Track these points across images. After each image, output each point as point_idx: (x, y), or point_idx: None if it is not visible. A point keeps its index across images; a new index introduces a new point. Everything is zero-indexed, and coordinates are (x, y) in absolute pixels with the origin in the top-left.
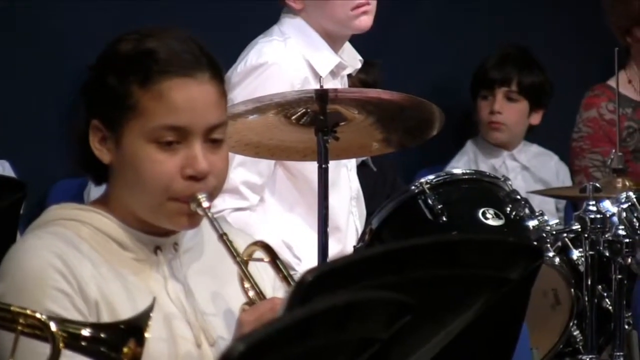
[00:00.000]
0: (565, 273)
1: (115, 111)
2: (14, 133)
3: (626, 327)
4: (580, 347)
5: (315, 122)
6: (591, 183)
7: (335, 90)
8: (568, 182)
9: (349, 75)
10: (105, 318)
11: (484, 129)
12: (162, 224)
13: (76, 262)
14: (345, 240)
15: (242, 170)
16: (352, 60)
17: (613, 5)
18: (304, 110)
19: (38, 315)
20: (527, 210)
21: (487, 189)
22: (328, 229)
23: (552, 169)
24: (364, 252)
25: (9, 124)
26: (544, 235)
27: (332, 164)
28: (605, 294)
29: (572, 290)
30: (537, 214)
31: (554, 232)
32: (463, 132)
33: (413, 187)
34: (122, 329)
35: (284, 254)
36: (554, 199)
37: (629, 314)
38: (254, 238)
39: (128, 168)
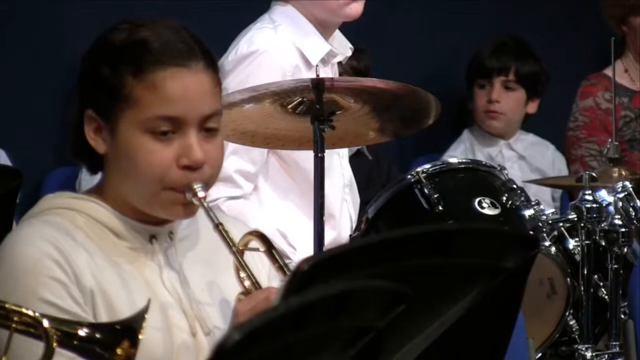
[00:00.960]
0: (561, 262)
1: (109, 102)
2: (8, 122)
3: (622, 316)
4: (576, 337)
5: (311, 111)
6: (587, 172)
7: (332, 79)
8: (564, 172)
9: (339, 63)
10: (101, 307)
11: (481, 117)
12: (157, 214)
13: (71, 251)
14: (339, 227)
15: (235, 159)
16: (343, 47)
17: None
18: (300, 99)
19: (31, 312)
20: (523, 200)
21: (483, 178)
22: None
23: (549, 159)
24: (359, 241)
25: (2, 113)
26: (540, 224)
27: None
28: (601, 284)
29: (568, 279)
30: (533, 203)
31: (550, 222)
32: (459, 121)
33: (409, 176)
34: (117, 329)
35: (279, 242)
36: (550, 189)
37: (625, 303)
38: (249, 227)
39: (123, 158)
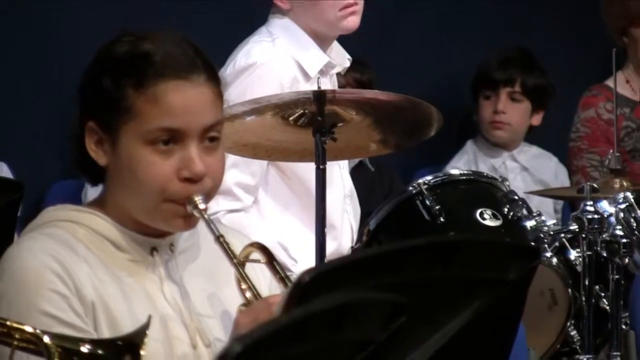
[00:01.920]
0: (562, 273)
1: (110, 114)
2: (11, 135)
3: (623, 327)
4: (578, 347)
5: (312, 123)
6: (589, 183)
7: (333, 91)
8: (567, 184)
9: (341, 75)
10: (102, 319)
11: (486, 128)
12: (158, 226)
13: (72, 263)
14: (340, 238)
15: (235, 172)
16: (341, 59)
17: (609, 5)
18: (301, 111)
19: (32, 329)
20: (524, 211)
21: (485, 189)
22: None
23: (552, 170)
24: (361, 252)
25: (5, 125)
26: (542, 235)
27: None
28: (602, 294)
29: (570, 290)
30: (534, 214)
31: (552, 233)
32: (463, 133)
33: (411, 188)
34: (119, 345)
35: (279, 255)
36: (552, 201)
37: (626, 314)
38: (250, 239)
39: (124, 170)
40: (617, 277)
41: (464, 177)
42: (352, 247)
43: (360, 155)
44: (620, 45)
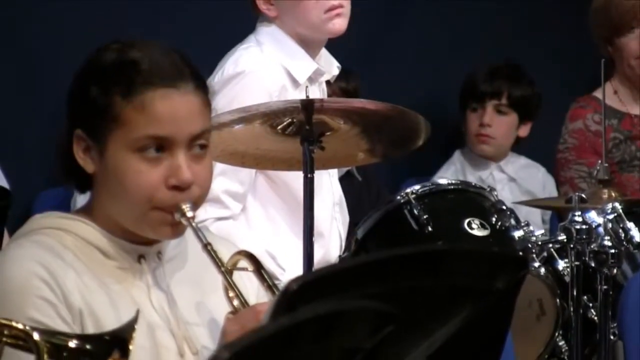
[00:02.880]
0: (550, 283)
1: (98, 122)
2: None
3: (611, 337)
4: (566, 358)
5: (300, 132)
6: (577, 194)
7: (322, 100)
8: (555, 194)
9: (328, 83)
10: (89, 327)
11: (472, 141)
12: (145, 233)
13: (60, 271)
14: (328, 246)
15: (223, 179)
16: (330, 66)
17: (595, 16)
18: (289, 120)
19: (21, 326)
20: (512, 221)
21: (473, 199)
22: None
23: (539, 181)
24: (349, 261)
25: None
26: (530, 245)
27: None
28: (590, 305)
29: (558, 300)
30: (522, 224)
31: (540, 243)
32: (451, 143)
33: (399, 197)
34: (107, 340)
35: (267, 263)
36: (540, 211)
37: (614, 324)
38: (238, 247)
39: (112, 178)
40: (605, 287)
41: (452, 187)
42: (340, 255)
43: (348, 165)
44: (607, 56)
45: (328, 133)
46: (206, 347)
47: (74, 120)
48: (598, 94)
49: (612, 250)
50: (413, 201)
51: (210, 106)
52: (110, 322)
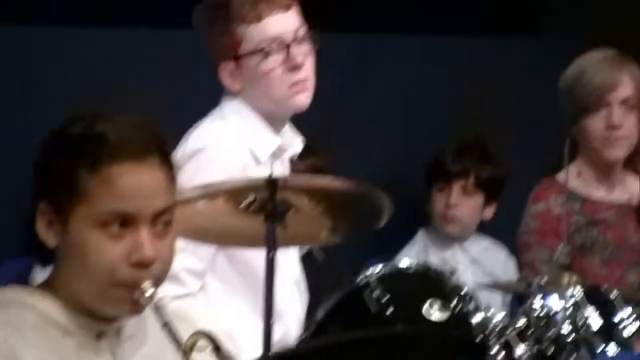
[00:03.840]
0: None
1: (62, 195)
2: None
3: None
4: None
5: (264, 210)
6: (537, 278)
7: (285, 178)
8: (515, 277)
9: (298, 161)
10: None
11: (438, 220)
12: (105, 310)
13: (20, 347)
14: (287, 325)
15: (183, 256)
16: (293, 142)
17: (561, 95)
18: (253, 197)
19: None
20: (472, 305)
21: (434, 282)
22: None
23: (501, 263)
24: (308, 344)
25: None
26: (489, 331)
27: None
28: None
29: None
30: (482, 308)
31: (499, 328)
32: (416, 221)
33: (359, 279)
34: None
35: (226, 342)
36: (502, 293)
37: None
38: (197, 326)
39: (74, 252)
40: None
41: (413, 270)
42: (299, 336)
43: (310, 243)
44: (572, 136)
45: (291, 211)
46: None
47: (39, 192)
48: (561, 176)
49: (570, 337)
50: (373, 283)
51: (175, 182)
52: None
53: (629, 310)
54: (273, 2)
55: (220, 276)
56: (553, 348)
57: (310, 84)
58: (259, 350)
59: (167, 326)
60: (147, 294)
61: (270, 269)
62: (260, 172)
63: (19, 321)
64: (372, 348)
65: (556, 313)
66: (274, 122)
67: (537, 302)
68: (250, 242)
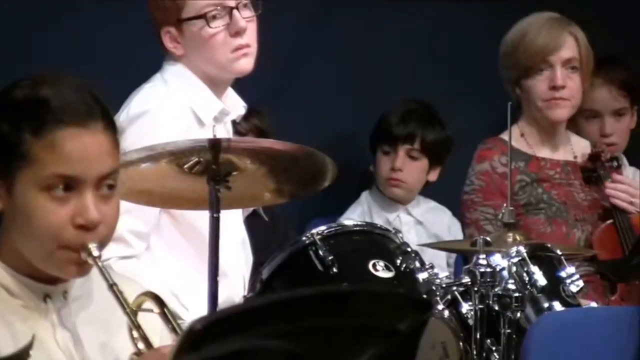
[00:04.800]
0: (454, 326)
1: (6, 159)
2: None
3: None
4: None
5: (207, 171)
6: (482, 237)
7: (228, 139)
8: (460, 238)
9: (242, 122)
10: None
11: (382, 183)
12: (51, 272)
13: None
14: (232, 285)
15: (128, 218)
16: (236, 106)
17: (503, 59)
18: (196, 159)
19: None
20: (417, 263)
21: (378, 241)
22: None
23: (445, 224)
24: (253, 301)
25: None
26: (434, 288)
27: None
28: (493, 348)
29: (461, 343)
30: (427, 266)
31: (444, 285)
32: (360, 183)
33: (304, 238)
34: None
35: (171, 303)
36: (446, 254)
37: None
38: (144, 287)
39: (19, 216)
40: (508, 331)
41: (358, 228)
42: (244, 295)
43: (255, 205)
44: (516, 98)
45: (235, 173)
46: None
47: None
48: (505, 136)
49: (516, 294)
50: (318, 242)
51: (118, 146)
52: None
53: (573, 267)
54: None
55: (165, 237)
56: (498, 305)
57: (253, 49)
58: (204, 310)
59: (113, 287)
60: (93, 255)
61: (214, 230)
62: (203, 135)
63: None
64: (316, 305)
65: (501, 270)
66: (216, 86)
67: (482, 261)
68: (194, 204)
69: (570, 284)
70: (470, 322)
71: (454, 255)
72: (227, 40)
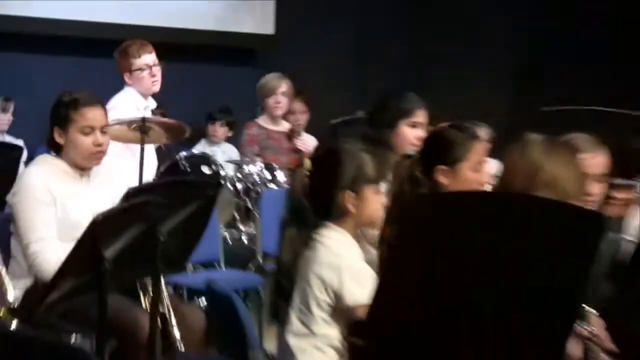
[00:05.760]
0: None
1: (64, 121)
2: None
3: None
4: None
5: (141, 129)
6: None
7: (150, 118)
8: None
9: (152, 110)
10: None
11: None
12: (84, 164)
13: (52, 182)
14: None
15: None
16: (152, 104)
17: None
18: (138, 124)
19: None
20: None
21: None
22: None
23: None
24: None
25: None
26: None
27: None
28: None
29: None
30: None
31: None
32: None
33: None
34: None
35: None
36: None
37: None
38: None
39: (70, 144)
40: None
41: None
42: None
43: (159, 142)
44: None
45: (151, 129)
46: None
47: (63, 122)
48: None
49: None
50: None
51: (107, 116)
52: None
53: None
54: (145, 48)
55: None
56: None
57: (159, 81)
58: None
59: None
60: (103, 153)
61: (142, 157)
62: (141, 114)
63: (52, 168)
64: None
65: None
66: (145, 96)
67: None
68: (135, 141)
69: None
70: None
71: None
72: (149, 78)
